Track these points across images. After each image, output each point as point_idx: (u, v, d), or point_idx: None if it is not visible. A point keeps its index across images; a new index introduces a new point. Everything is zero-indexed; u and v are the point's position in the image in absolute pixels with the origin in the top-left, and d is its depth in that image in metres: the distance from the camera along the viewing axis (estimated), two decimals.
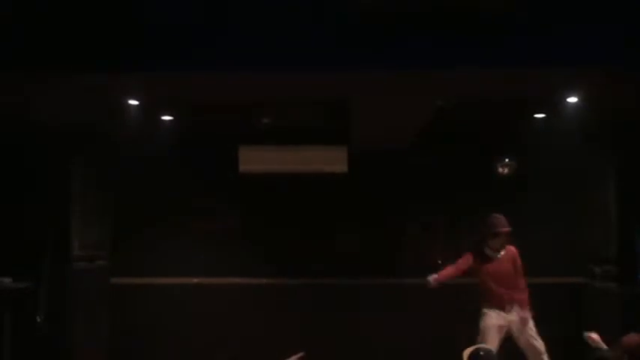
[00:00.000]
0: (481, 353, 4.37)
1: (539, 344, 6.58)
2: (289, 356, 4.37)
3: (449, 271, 6.62)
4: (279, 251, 8.22)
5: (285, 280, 8.15)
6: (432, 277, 6.51)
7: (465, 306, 7.38)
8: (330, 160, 7.70)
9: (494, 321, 6.56)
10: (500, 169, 7.79)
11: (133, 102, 6.29)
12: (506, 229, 6.56)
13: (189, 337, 7.91)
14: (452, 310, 7.73)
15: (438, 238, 8.35)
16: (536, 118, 7.02)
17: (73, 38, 5.13)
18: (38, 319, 6.79)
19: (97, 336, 7.59)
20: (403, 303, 8.00)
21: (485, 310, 6.63)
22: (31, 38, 5.15)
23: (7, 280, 6.57)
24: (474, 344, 4.69)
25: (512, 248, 6.71)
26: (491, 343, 6.40)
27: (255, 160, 7.67)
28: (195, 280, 8.16)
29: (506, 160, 7.76)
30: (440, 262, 7.93)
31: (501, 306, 6.55)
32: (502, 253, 6.64)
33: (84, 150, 7.45)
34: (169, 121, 7.21)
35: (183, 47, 5.19)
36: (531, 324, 6.59)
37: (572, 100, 6.18)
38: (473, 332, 6.52)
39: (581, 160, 7.71)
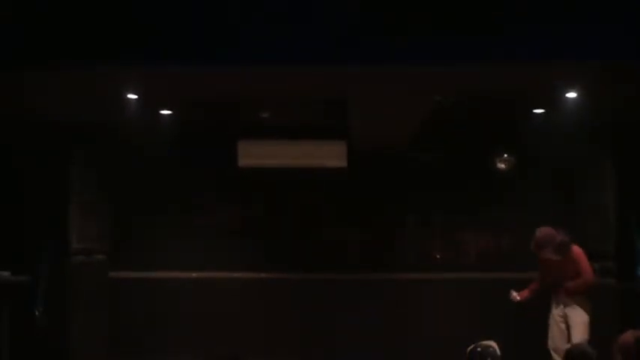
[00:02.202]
0: (478, 349, 4.33)
1: None
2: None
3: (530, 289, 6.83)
4: (279, 246, 8.23)
5: (284, 274, 8.15)
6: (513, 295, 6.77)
7: (466, 302, 7.42)
8: (329, 155, 7.68)
9: (554, 317, 6.75)
10: (498, 165, 7.80)
11: (132, 97, 6.29)
12: (534, 247, 6.62)
13: (189, 330, 7.92)
14: (453, 305, 7.74)
15: (438, 233, 8.35)
16: (535, 115, 7.00)
17: (73, 34, 5.13)
18: (37, 313, 6.80)
19: (96, 330, 7.60)
20: (402, 298, 8.01)
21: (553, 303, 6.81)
22: (31, 35, 5.15)
23: (6, 274, 6.57)
24: (476, 339, 4.65)
25: (575, 250, 6.66)
26: (554, 338, 6.68)
27: (254, 154, 7.65)
28: (195, 274, 8.17)
29: (505, 155, 7.77)
30: (438, 256, 7.96)
31: (558, 300, 6.73)
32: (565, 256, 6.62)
33: (83, 144, 7.46)
34: (168, 116, 7.20)
35: (183, 43, 5.19)
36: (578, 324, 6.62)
37: (572, 96, 6.16)
38: (474, 327, 6.52)
39: (581, 157, 7.71)
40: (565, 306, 6.71)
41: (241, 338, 7.77)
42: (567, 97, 6.16)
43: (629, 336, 4.31)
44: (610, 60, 5.11)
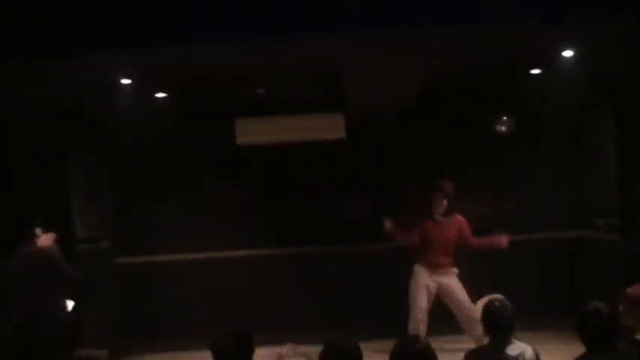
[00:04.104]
0: (496, 304, 4.30)
1: (470, 310, 6.80)
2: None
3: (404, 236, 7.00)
4: (281, 221, 8.21)
5: (286, 249, 8.14)
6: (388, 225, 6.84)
7: (466, 268, 7.43)
8: (327, 127, 7.64)
9: (424, 279, 6.91)
10: (498, 128, 7.77)
11: (128, 81, 6.26)
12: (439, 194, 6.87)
13: (195, 311, 7.92)
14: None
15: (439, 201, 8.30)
16: (534, 76, 6.96)
17: (69, 22, 5.11)
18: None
19: (104, 317, 7.60)
20: (404, 267, 8.00)
21: (415, 269, 6.98)
22: (29, 27, 5.13)
23: None
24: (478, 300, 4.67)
25: (459, 217, 6.99)
26: (421, 301, 6.86)
27: (252, 131, 7.61)
28: (199, 255, 8.15)
29: (504, 118, 7.73)
30: None
31: (431, 268, 6.91)
32: (448, 219, 6.94)
33: (82, 132, 7.42)
34: (165, 98, 7.15)
35: (175, 20, 5.15)
36: (459, 288, 6.90)
37: (570, 56, 6.14)
38: (477, 291, 6.55)
39: (581, 115, 7.69)
40: (441, 273, 6.89)
41: (247, 315, 7.73)
42: (565, 57, 6.14)
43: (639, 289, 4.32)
44: (608, 18, 5.08)
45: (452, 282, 6.95)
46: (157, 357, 7.64)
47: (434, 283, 6.93)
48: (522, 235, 7.98)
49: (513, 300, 4.46)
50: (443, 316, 7.12)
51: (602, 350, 3.85)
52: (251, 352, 3.83)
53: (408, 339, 3.63)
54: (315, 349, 3.72)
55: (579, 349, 3.97)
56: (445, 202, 6.88)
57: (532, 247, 7.97)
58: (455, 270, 7.02)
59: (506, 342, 4.12)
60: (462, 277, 7.13)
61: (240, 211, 8.26)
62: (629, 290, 4.34)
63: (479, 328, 6.81)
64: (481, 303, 4.43)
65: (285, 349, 4.25)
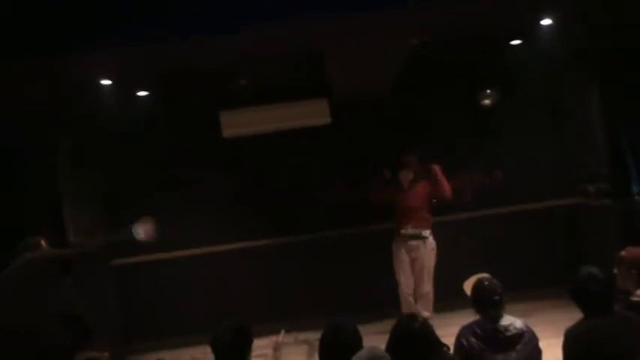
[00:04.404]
0: (486, 283, 4.33)
1: (429, 291, 7.14)
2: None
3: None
4: (273, 212, 8.16)
5: (280, 239, 8.12)
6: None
7: (456, 244, 7.49)
8: (312, 113, 7.62)
9: (403, 256, 7.20)
10: (482, 101, 7.75)
11: (109, 81, 6.22)
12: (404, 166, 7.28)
13: (193, 307, 7.93)
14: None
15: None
16: (515, 46, 6.93)
17: (68, 22, 5.09)
18: None
19: (104, 319, 7.58)
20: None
21: (394, 248, 7.26)
22: (28, 27, 5.10)
23: None
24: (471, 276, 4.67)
25: (425, 181, 7.28)
26: (406, 276, 7.15)
27: (237, 123, 7.57)
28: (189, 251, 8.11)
29: (488, 91, 7.71)
30: (435, 200, 7.92)
31: (406, 235, 7.18)
32: (415, 186, 7.29)
33: (70, 134, 7.38)
34: (147, 96, 7.10)
35: (150, 17, 5.12)
36: (429, 266, 7.16)
37: (550, 24, 6.12)
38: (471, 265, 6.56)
39: (566, 83, 7.68)
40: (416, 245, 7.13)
41: (245, 307, 7.71)
42: (545, 25, 6.12)
43: (636, 251, 4.33)
44: None
45: (425, 258, 7.14)
46: (159, 355, 7.64)
47: (410, 258, 7.19)
48: (514, 206, 8.01)
49: (508, 271, 4.47)
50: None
51: (600, 314, 3.87)
52: (250, 343, 3.84)
53: (406, 319, 3.65)
54: (316, 336, 3.73)
55: (577, 316, 3.99)
56: (411, 174, 7.26)
57: (524, 217, 8.00)
58: (432, 241, 7.18)
59: (498, 317, 4.17)
60: (453, 252, 7.20)
61: (233, 204, 8.21)
62: (623, 253, 4.36)
63: (430, 309, 7.00)
64: (469, 282, 4.45)
65: (281, 337, 4.28)
